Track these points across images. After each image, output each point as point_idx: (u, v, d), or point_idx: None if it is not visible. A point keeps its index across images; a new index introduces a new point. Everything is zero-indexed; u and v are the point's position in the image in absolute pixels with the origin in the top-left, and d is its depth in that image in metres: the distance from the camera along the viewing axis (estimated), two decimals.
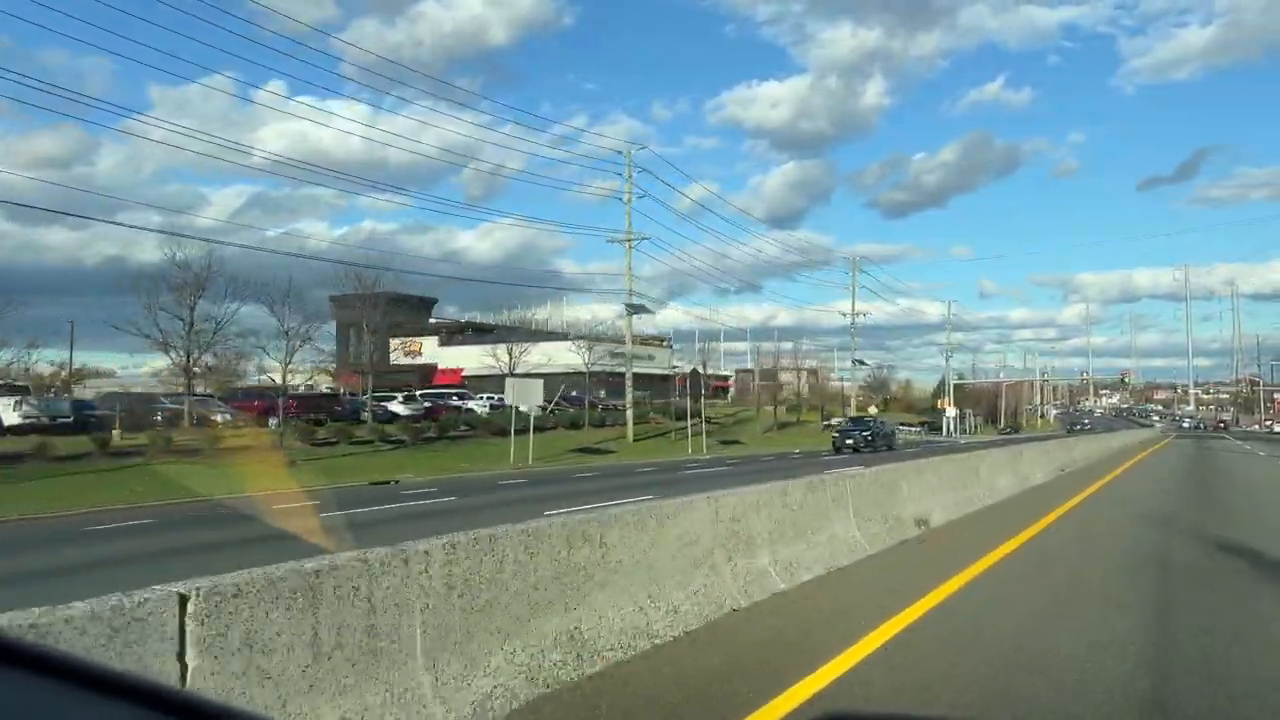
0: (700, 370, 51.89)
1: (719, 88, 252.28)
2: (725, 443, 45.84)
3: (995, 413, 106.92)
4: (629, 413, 40.97)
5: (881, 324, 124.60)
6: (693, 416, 42.24)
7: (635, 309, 39.97)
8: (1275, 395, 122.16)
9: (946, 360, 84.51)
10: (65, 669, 0.86)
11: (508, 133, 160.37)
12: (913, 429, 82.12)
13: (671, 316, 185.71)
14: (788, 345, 79.61)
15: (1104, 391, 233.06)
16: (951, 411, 77.82)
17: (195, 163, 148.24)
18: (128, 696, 0.88)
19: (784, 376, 73.35)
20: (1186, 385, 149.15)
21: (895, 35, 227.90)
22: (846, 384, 78.82)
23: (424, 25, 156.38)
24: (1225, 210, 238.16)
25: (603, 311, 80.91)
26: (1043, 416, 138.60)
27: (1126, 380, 70.33)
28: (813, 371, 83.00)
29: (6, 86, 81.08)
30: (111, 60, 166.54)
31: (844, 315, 71.38)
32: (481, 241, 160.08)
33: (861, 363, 71.87)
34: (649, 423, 50.56)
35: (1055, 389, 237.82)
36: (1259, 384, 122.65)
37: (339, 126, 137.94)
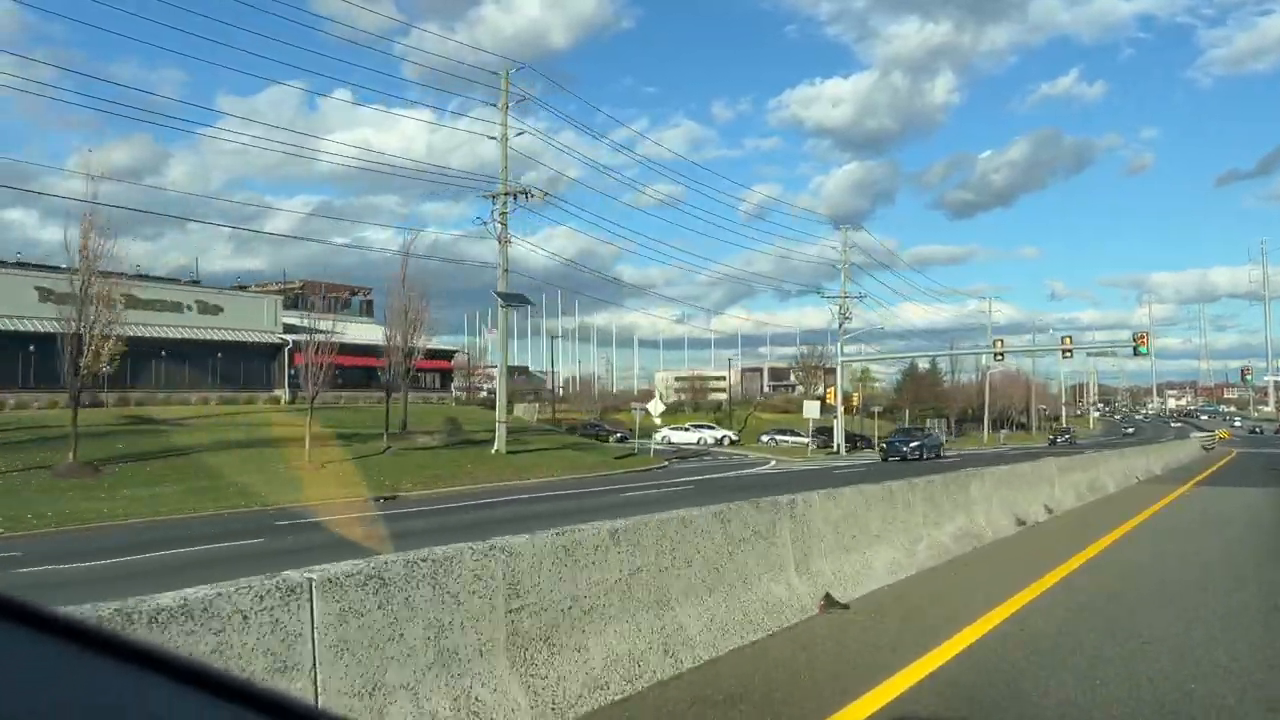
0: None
1: (781, 87, 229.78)
2: None
3: (991, 416, 79.74)
4: None
5: (942, 326, 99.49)
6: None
7: None
8: None
9: (839, 347, 56.97)
10: (163, 663, 0.85)
11: (568, 138, 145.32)
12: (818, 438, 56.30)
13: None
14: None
15: (1172, 392, 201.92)
16: (813, 408, 49.42)
17: (262, 171, 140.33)
18: (222, 694, 0.86)
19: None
20: (1264, 383, 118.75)
21: (964, 30, 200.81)
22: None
23: (483, 30, 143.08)
24: None
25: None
26: (1068, 417, 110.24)
27: (1141, 350, 43.93)
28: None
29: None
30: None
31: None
32: (549, 243, 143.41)
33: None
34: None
35: (1115, 391, 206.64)
36: None
37: (403, 131, 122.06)
